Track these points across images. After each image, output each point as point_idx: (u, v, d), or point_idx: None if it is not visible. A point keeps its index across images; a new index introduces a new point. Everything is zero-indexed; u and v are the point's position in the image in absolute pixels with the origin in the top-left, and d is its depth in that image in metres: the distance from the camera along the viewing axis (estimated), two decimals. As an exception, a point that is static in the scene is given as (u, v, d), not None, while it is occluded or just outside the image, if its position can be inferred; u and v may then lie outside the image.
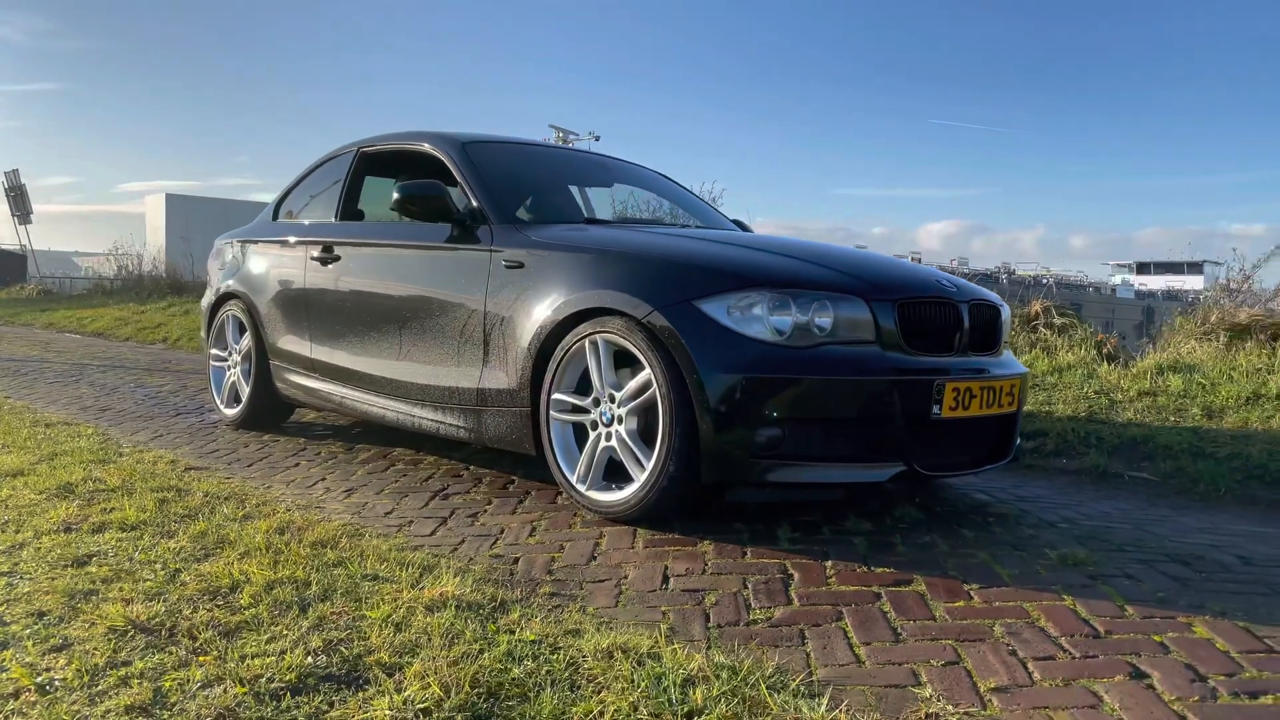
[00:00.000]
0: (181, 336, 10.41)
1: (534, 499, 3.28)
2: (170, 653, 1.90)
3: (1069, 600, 2.29)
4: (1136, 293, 54.51)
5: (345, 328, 4.03)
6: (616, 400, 2.91)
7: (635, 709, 1.68)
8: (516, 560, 2.61)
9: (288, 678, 1.79)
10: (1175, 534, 2.99)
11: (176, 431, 4.66)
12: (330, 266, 4.16)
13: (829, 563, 2.58)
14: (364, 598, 2.21)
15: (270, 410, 4.67)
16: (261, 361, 4.55)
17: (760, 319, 2.74)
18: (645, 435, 2.87)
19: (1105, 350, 6.17)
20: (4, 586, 2.28)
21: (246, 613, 2.11)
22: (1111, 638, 2.07)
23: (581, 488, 3.00)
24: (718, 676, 1.80)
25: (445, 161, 3.82)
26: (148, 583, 2.31)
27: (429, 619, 2.07)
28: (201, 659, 1.87)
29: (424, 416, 3.59)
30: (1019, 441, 3.26)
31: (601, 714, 1.67)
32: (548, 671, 1.83)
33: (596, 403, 2.98)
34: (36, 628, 2.03)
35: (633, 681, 1.78)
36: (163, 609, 2.12)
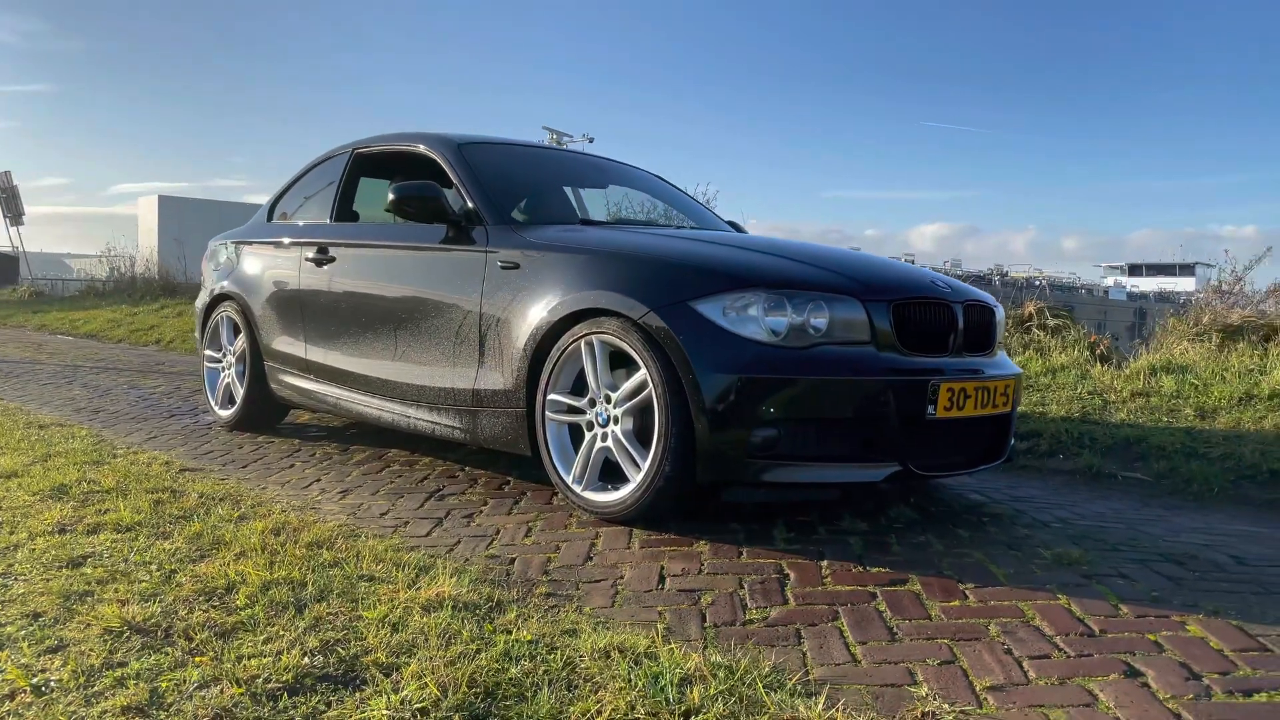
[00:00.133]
0: (174, 338, 10.38)
1: (530, 500, 3.28)
2: (166, 654, 1.90)
3: (1064, 599, 2.30)
4: (1129, 294, 54.73)
5: (340, 329, 4.03)
6: (612, 401, 2.92)
7: (632, 708, 1.68)
8: (513, 561, 2.61)
9: (284, 678, 1.79)
10: (1169, 534, 3.00)
11: (171, 433, 4.65)
12: (325, 267, 4.15)
13: (825, 563, 2.58)
14: (360, 598, 2.21)
15: (265, 412, 4.66)
16: (256, 363, 4.54)
17: (756, 319, 2.74)
18: (641, 436, 2.88)
19: (1098, 351, 6.20)
20: (-2, 588, 2.28)
21: (243, 613, 2.11)
22: (1106, 636, 2.08)
23: (577, 488, 3.00)
24: (714, 676, 1.80)
25: (441, 162, 3.82)
26: (143, 584, 2.30)
27: (426, 619, 2.07)
28: (198, 660, 1.87)
29: (419, 417, 3.59)
30: (1013, 442, 3.27)
31: (599, 713, 1.67)
32: (545, 671, 1.83)
33: (592, 403, 2.98)
34: (32, 629, 2.02)
35: (630, 681, 1.78)
36: (158, 610, 2.12)
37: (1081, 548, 2.73)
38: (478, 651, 1.91)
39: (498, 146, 4.20)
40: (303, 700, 1.71)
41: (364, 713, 1.67)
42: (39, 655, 1.89)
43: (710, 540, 2.76)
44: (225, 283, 4.82)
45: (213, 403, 4.88)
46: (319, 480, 3.62)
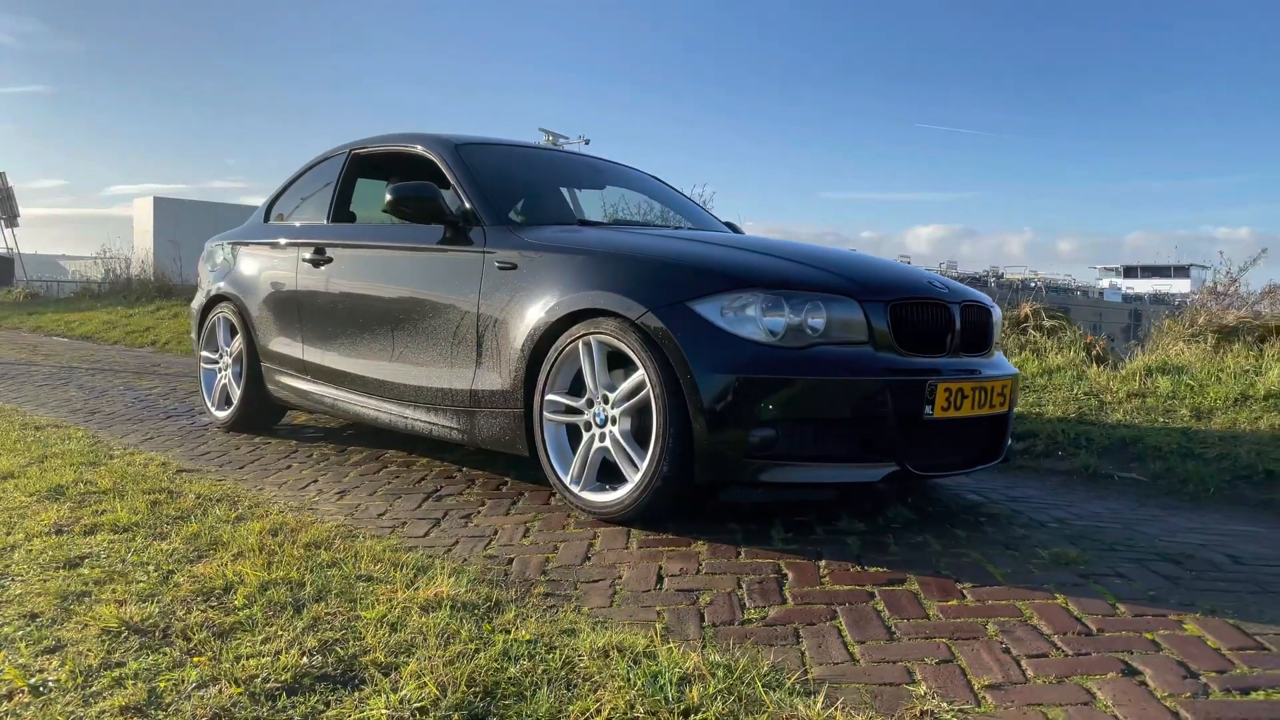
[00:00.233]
0: (170, 340, 10.36)
1: (527, 500, 3.28)
2: (165, 653, 1.89)
3: (1061, 599, 2.30)
4: (1123, 296, 54.89)
5: (337, 329, 4.03)
6: (610, 401, 2.92)
7: (632, 707, 1.69)
8: (511, 561, 2.61)
9: (283, 678, 1.78)
10: (1165, 533, 3.01)
11: (167, 434, 4.64)
12: (322, 268, 4.15)
13: (823, 562, 2.58)
14: (359, 598, 2.21)
15: (261, 413, 4.65)
16: (253, 364, 4.53)
17: (753, 320, 2.75)
18: (639, 436, 2.88)
19: (1094, 352, 6.21)
20: (-5, 588, 2.27)
21: (241, 613, 2.11)
22: (1104, 635, 2.09)
23: (575, 489, 3.00)
24: (713, 675, 1.81)
25: (438, 163, 3.82)
26: (141, 584, 2.30)
27: (424, 619, 2.07)
28: (196, 660, 1.86)
29: (417, 418, 3.59)
30: (1010, 442, 3.27)
31: (598, 712, 1.67)
32: (544, 670, 1.83)
33: (590, 404, 2.98)
34: (29, 629, 2.02)
35: (629, 680, 1.78)
36: (156, 610, 2.12)
37: (1079, 547, 2.74)
38: (476, 651, 1.91)
39: (495, 147, 4.20)
40: (302, 700, 1.71)
41: (363, 712, 1.67)
42: (37, 655, 1.89)
43: (708, 540, 2.76)
44: (222, 284, 4.81)
45: (209, 404, 4.87)
46: (316, 481, 3.61)
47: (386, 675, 1.80)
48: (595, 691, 1.75)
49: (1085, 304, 43.84)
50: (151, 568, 2.43)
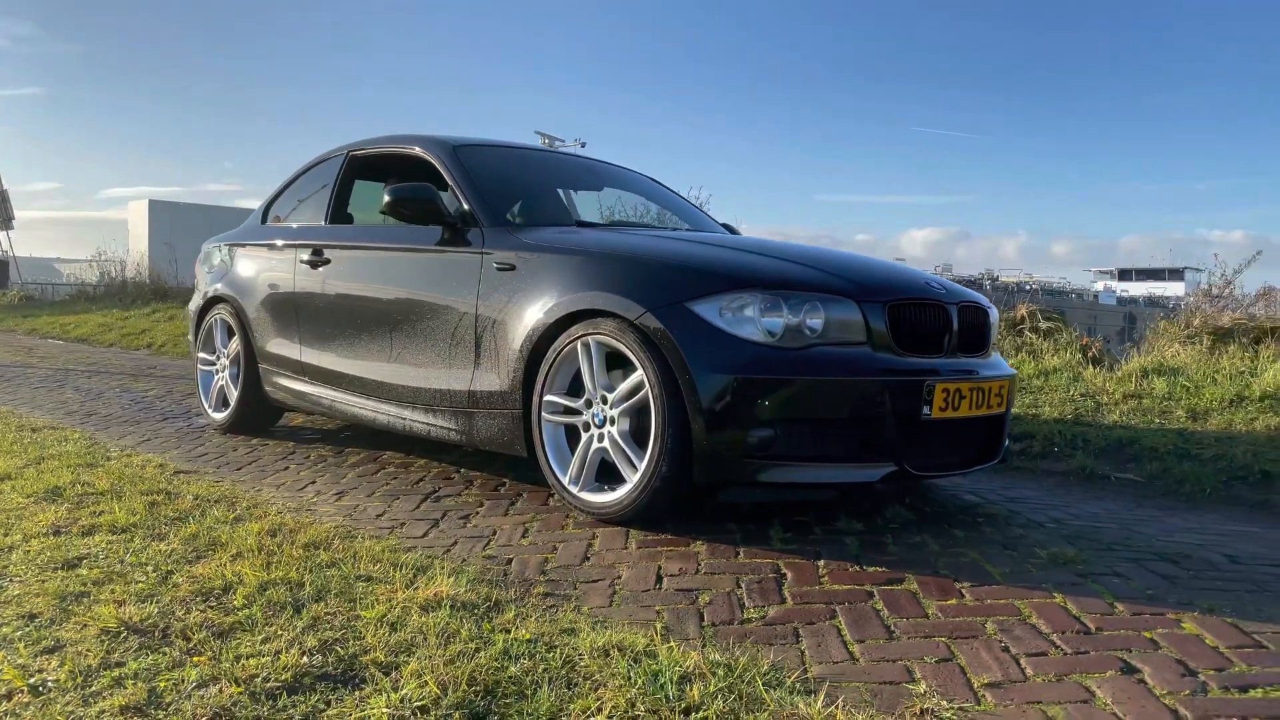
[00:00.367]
0: (166, 342, 10.34)
1: (526, 501, 3.28)
2: (164, 653, 1.89)
3: (1059, 598, 2.31)
4: (1119, 299, 55.02)
5: (335, 331, 4.02)
6: (609, 401, 2.92)
7: (633, 705, 1.69)
8: (510, 561, 2.61)
9: (283, 677, 1.78)
10: (1162, 533, 3.02)
11: (164, 435, 4.63)
12: (320, 269, 4.15)
13: (821, 562, 2.59)
14: (358, 598, 2.21)
15: (259, 414, 4.65)
16: (250, 365, 4.53)
17: (752, 320, 2.75)
18: (637, 436, 2.88)
19: (1090, 354, 6.23)
20: (-6, 589, 2.27)
21: (240, 613, 2.10)
22: (1102, 634, 2.09)
23: (574, 489, 3.00)
24: (714, 674, 1.81)
25: (436, 165, 3.82)
26: (140, 584, 2.30)
27: (424, 619, 2.07)
28: (196, 659, 1.86)
29: (415, 419, 3.58)
30: (1007, 443, 3.28)
31: (599, 710, 1.68)
32: (544, 669, 1.83)
33: (588, 404, 2.98)
34: (28, 630, 2.01)
35: (629, 679, 1.78)
36: (155, 610, 2.11)
37: (1076, 547, 2.75)
38: (477, 650, 1.91)
39: (493, 149, 4.20)
40: (302, 699, 1.71)
41: (364, 711, 1.67)
42: (36, 656, 1.89)
43: (707, 540, 2.77)
44: (219, 285, 4.81)
45: (207, 406, 4.86)
46: (314, 482, 3.61)
47: (387, 674, 1.80)
48: (596, 690, 1.75)
49: (1080, 306, 43.94)
50: (150, 568, 2.43)
